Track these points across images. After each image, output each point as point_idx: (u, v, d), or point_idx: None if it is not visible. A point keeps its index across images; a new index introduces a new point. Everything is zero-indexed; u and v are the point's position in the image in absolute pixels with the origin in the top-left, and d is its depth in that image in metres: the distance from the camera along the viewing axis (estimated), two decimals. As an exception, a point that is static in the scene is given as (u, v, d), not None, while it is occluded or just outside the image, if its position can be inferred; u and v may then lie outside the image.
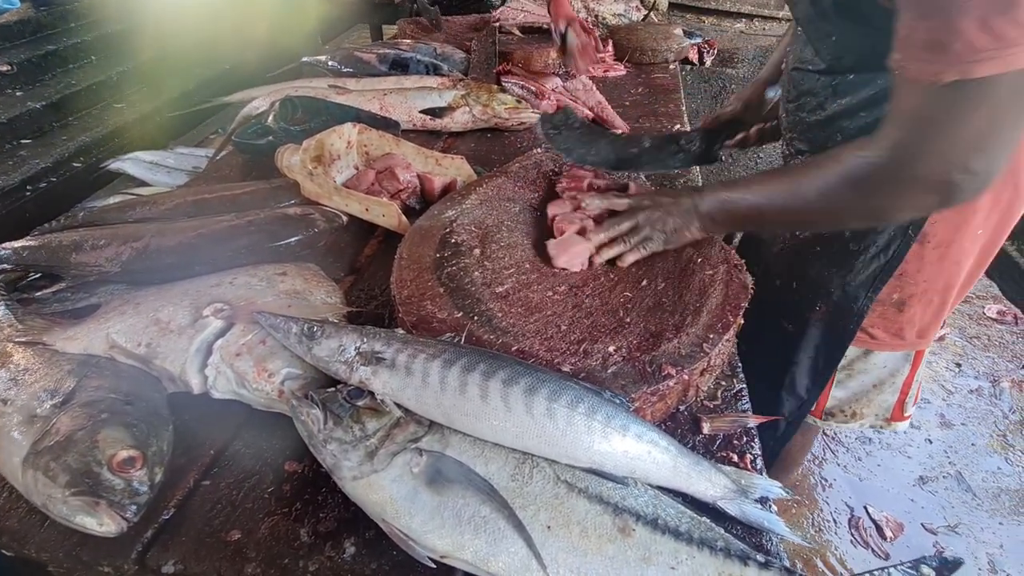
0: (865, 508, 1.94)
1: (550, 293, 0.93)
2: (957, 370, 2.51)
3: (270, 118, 1.54)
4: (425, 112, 1.65)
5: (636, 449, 0.64)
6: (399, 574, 0.63)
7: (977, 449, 2.17)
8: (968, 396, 2.40)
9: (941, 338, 2.68)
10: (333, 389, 0.71)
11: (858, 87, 0.98)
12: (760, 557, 0.58)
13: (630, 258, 0.98)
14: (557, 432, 0.62)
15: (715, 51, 2.74)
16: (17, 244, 1.04)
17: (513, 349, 0.79)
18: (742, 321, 0.94)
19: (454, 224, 1.06)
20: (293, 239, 1.04)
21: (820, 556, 1.81)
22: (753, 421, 0.81)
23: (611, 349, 0.80)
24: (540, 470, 0.63)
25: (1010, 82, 0.62)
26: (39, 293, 0.95)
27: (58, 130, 2.40)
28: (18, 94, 2.42)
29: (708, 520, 0.62)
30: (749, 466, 0.75)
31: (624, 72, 2.27)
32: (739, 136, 1.33)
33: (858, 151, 0.77)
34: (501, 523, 0.59)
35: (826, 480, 2.06)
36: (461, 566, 0.59)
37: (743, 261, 0.99)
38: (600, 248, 0.98)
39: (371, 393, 0.69)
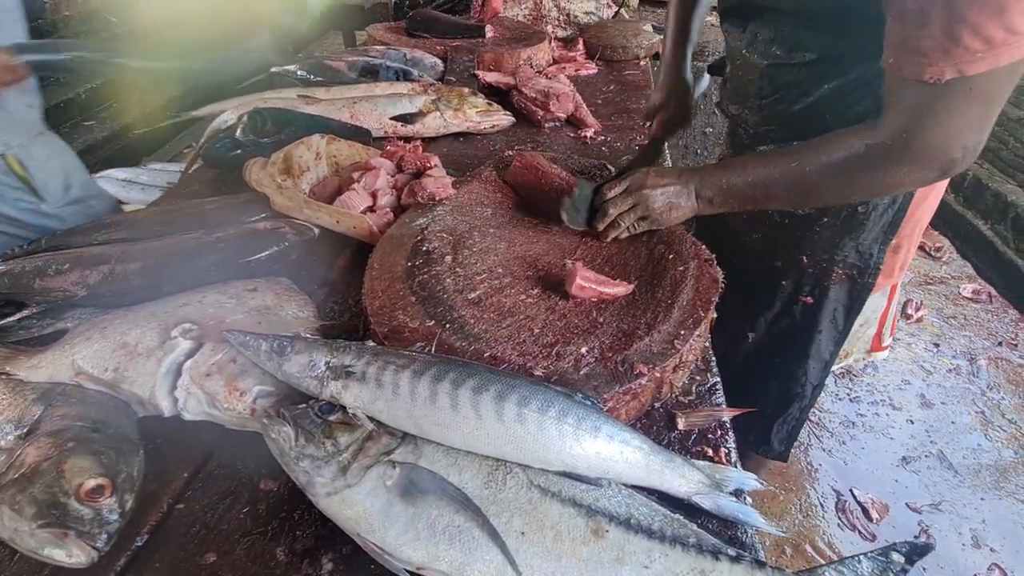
0: (851, 491, 1.97)
1: (523, 296, 0.93)
2: (935, 350, 2.56)
3: (239, 131, 1.53)
4: (396, 119, 1.64)
5: (608, 450, 0.64)
6: (378, 587, 0.62)
7: (957, 427, 2.21)
8: (947, 375, 2.44)
9: (919, 319, 2.73)
10: (304, 405, 0.70)
11: (846, 71, 1.03)
12: (731, 551, 0.59)
13: (623, 235, 1.04)
14: (528, 437, 0.63)
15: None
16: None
17: (485, 356, 0.79)
18: (715, 315, 0.95)
19: (425, 231, 1.06)
20: (263, 254, 1.02)
21: (809, 541, 1.84)
22: (727, 414, 0.82)
23: (584, 350, 0.81)
24: (513, 476, 0.63)
25: (998, 76, 0.74)
26: (2, 321, 0.94)
27: (24, 151, 2.35)
28: (-19, 116, 2.37)
29: (681, 517, 0.62)
30: (724, 459, 0.76)
31: (595, 70, 2.28)
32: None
33: (864, 136, 0.87)
34: (475, 531, 0.59)
35: (812, 466, 2.08)
36: (438, 577, 0.59)
37: (714, 256, 1.00)
38: (599, 227, 1.04)
39: (343, 407, 0.69)
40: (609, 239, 1.04)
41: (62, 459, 0.66)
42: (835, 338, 1.27)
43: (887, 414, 2.27)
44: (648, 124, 1.42)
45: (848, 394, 2.36)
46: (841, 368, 2.45)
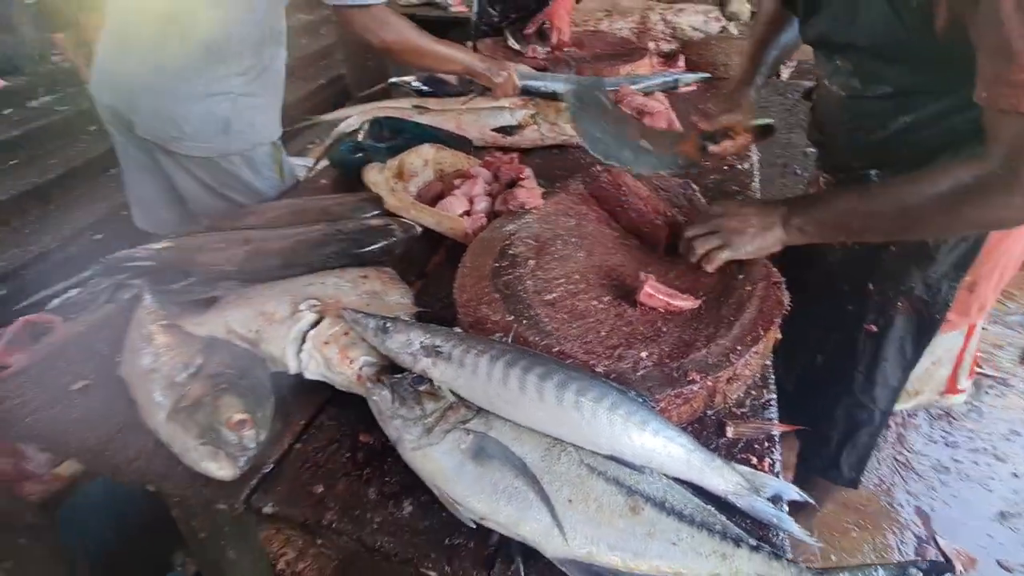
0: (934, 538, 1.86)
1: (595, 302, 1.03)
2: (1056, 401, 2.33)
3: (360, 136, 1.74)
4: (497, 130, 1.78)
5: (652, 442, 0.73)
6: (446, 531, 0.75)
7: (1074, 488, 2.01)
8: (1067, 430, 2.22)
9: (1040, 365, 2.49)
10: (400, 376, 0.84)
11: (926, 103, 1.03)
12: (752, 541, 0.65)
13: (713, 264, 1.04)
14: (583, 422, 0.73)
15: (794, 64, 2.69)
16: (158, 246, 1.26)
17: (554, 350, 0.90)
18: (779, 336, 1.00)
19: (513, 237, 1.18)
20: (375, 247, 1.19)
21: (879, 582, 1.77)
22: (777, 429, 0.87)
23: (644, 355, 0.89)
24: (567, 453, 0.73)
25: None
26: (174, 286, 1.17)
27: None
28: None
29: (712, 508, 0.70)
30: (767, 470, 0.81)
31: (695, 87, 2.31)
32: (726, 142, 1.33)
33: (972, 168, 0.86)
34: (530, 494, 0.70)
35: (893, 507, 1.99)
36: (496, 528, 0.71)
37: (783, 279, 1.04)
38: (687, 251, 1.07)
39: (431, 380, 0.83)
40: (712, 268, 1.05)
41: (217, 396, 0.85)
42: (903, 365, 1.25)
43: (988, 464, 2.11)
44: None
45: (944, 438, 2.22)
46: (937, 409, 2.30)
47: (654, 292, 0.98)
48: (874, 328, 1.23)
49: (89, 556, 1.39)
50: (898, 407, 1.35)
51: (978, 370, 2.46)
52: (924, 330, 1.21)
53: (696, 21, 3.40)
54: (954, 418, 2.29)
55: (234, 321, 1.00)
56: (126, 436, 0.89)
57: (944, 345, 1.26)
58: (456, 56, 1.81)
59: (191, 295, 1.17)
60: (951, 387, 1.32)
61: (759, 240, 1.02)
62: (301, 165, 2.49)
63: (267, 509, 0.80)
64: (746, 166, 1.67)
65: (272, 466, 0.85)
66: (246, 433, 0.82)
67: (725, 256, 1.04)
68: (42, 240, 2.62)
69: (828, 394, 1.34)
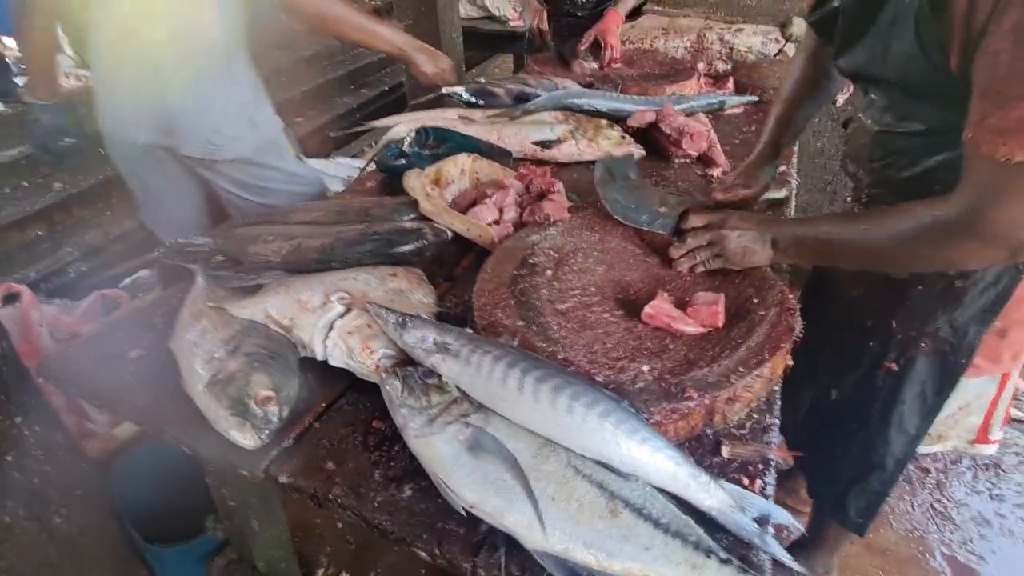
0: (964, 590, 1.78)
1: (606, 315, 1.06)
2: (1122, 462, 2.16)
3: (406, 143, 1.83)
4: (536, 143, 1.84)
5: (640, 452, 0.76)
6: (440, 515, 0.80)
7: None
8: None
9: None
10: (412, 368, 0.91)
11: (956, 145, 1.01)
12: (723, 555, 0.67)
13: (697, 268, 1.11)
14: (573, 426, 0.77)
15: (849, 88, 2.62)
16: (215, 234, 1.39)
17: (559, 357, 0.94)
18: (790, 362, 1.00)
19: (535, 247, 1.23)
20: (406, 248, 1.27)
21: (900, 630, 1.70)
22: (774, 454, 0.88)
23: (645, 369, 0.92)
24: (556, 454, 0.77)
25: None
26: (225, 272, 1.28)
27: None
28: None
29: (690, 519, 0.72)
30: (757, 492, 0.83)
31: (741, 109, 2.29)
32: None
33: (933, 209, 0.89)
34: (517, 489, 0.74)
35: (924, 555, 1.90)
36: (483, 516, 0.76)
37: (798, 305, 1.04)
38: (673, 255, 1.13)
39: (439, 375, 0.88)
40: (683, 268, 1.12)
41: (249, 373, 0.93)
42: (922, 413, 1.22)
43: (1030, 516, 1.98)
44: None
45: (989, 489, 2.10)
46: (984, 460, 2.18)
47: (655, 312, 1.01)
48: (895, 367, 1.21)
49: (134, 511, 1.53)
50: (922, 449, 1.32)
51: (1033, 421, 2.32)
52: (947, 374, 1.18)
53: (754, 42, 3.36)
54: (1003, 470, 2.16)
55: (272, 307, 1.09)
56: (171, 402, 0.99)
57: (974, 391, 1.22)
58: (382, 33, 1.74)
59: (239, 281, 1.27)
60: (982, 437, 1.28)
61: (751, 257, 1.05)
62: (355, 167, 2.63)
63: (283, 478, 0.87)
64: (783, 194, 1.65)
65: (292, 441, 0.93)
66: (271, 408, 0.90)
67: (718, 264, 1.07)
68: (121, 223, 2.85)
69: (842, 430, 1.31)
